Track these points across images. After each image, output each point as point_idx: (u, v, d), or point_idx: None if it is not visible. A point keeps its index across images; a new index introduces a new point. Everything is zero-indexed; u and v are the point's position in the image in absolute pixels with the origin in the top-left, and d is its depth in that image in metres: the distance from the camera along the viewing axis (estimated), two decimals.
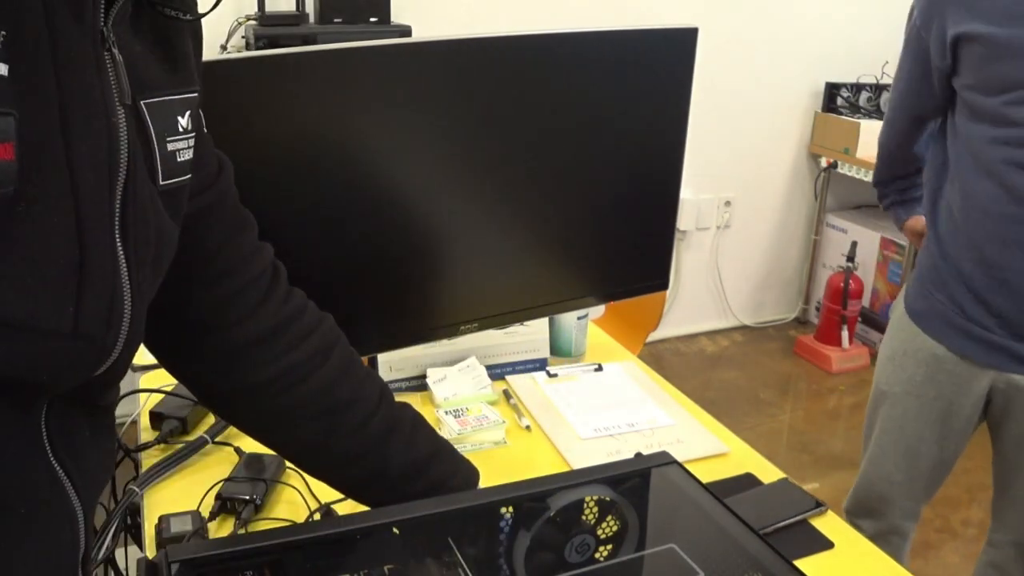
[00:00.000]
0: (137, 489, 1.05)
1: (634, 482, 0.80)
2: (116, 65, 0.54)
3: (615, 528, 0.77)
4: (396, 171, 1.00)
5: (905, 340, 1.47)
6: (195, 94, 0.66)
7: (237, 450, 1.12)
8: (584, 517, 0.77)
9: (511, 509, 0.75)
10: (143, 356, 1.51)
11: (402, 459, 0.83)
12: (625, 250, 1.21)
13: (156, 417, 1.18)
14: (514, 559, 0.73)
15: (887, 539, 1.60)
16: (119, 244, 0.55)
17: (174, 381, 1.25)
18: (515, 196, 1.08)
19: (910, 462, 1.52)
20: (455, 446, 1.17)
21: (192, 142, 0.64)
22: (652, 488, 0.82)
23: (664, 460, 0.82)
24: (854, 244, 3.35)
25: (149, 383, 1.26)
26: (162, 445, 1.14)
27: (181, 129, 0.63)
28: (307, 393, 0.79)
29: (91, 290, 0.52)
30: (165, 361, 0.81)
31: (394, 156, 0.99)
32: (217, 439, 1.15)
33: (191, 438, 1.15)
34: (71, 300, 0.51)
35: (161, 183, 0.61)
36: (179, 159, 0.63)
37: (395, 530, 0.71)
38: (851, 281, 3.23)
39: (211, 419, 1.20)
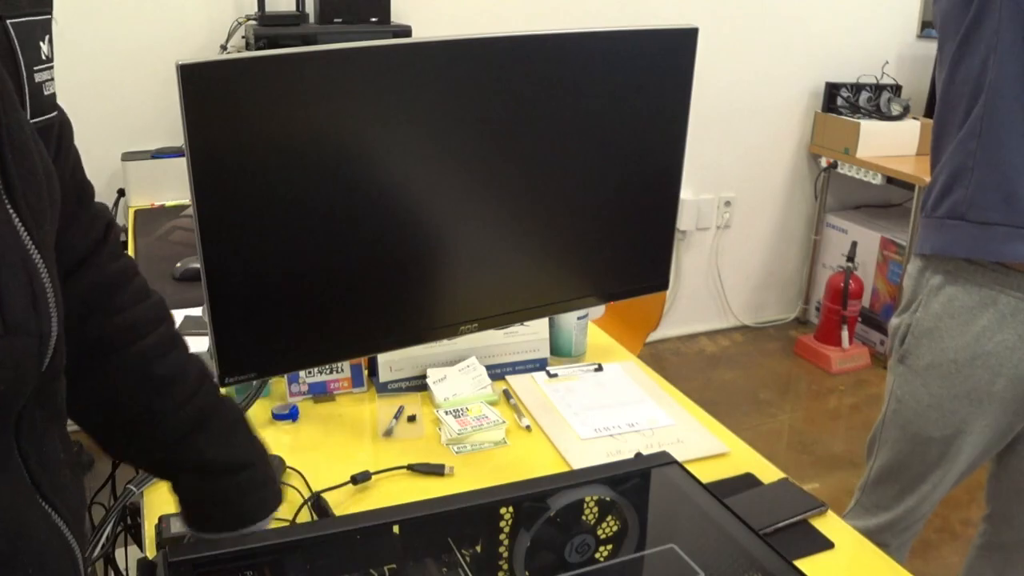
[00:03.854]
0: (134, 488, 1.05)
1: (634, 482, 0.80)
2: None
3: (615, 528, 0.77)
4: (396, 171, 0.99)
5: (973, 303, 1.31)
6: (51, 15, 0.58)
7: None
8: (584, 517, 0.77)
9: (511, 509, 0.75)
10: None
11: (210, 455, 0.76)
12: (625, 250, 1.21)
13: None
14: (514, 559, 0.73)
15: (904, 547, 1.57)
16: (8, 207, 0.47)
17: None
18: (515, 196, 1.08)
19: (968, 474, 1.48)
20: (454, 446, 1.18)
21: (53, 73, 0.57)
22: (652, 488, 0.82)
23: (664, 460, 0.82)
24: (854, 244, 3.35)
25: None
26: None
27: (44, 57, 0.55)
28: (125, 362, 0.71)
29: (5, 274, 0.46)
30: None
31: (394, 156, 0.99)
32: None
33: None
34: None
35: (31, 121, 0.53)
36: (45, 92, 0.55)
37: (395, 530, 0.71)
38: (851, 281, 3.23)
39: None
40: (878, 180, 3.20)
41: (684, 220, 3.33)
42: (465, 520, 0.74)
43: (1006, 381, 1.33)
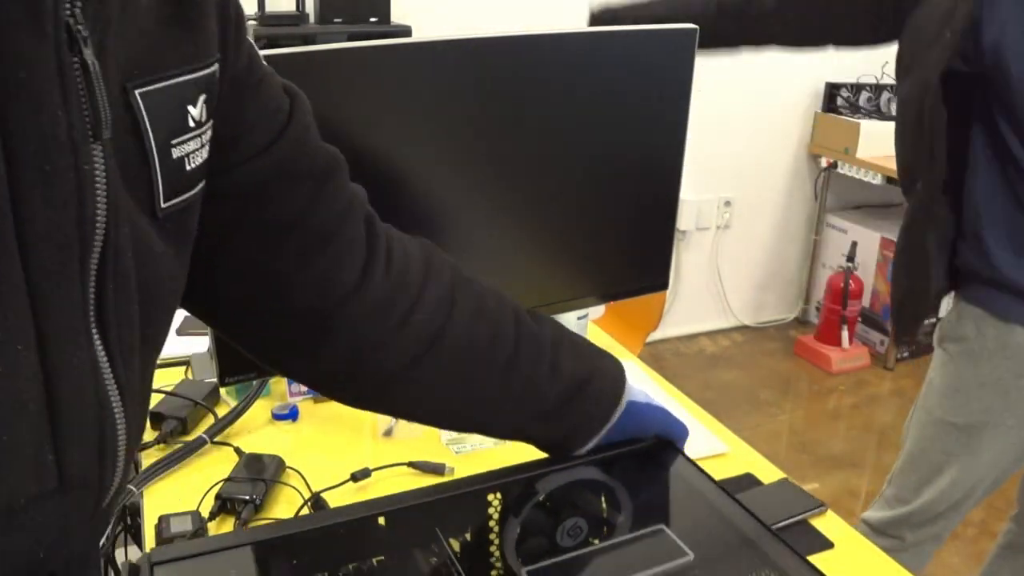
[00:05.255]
0: (134, 488, 1.05)
1: (625, 463, 0.79)
2: (90, 77, 0.37)
3: (607, 511, 0.76)
4: (394, 171, 0.99)
5: (1006, 359, 1.34)
6: (212, 68, 0.48)
7: (237, 450, 1.12)
8: (575, 500, 0.76)
9: (499, 496, 0.74)
10: None
11: (553, 388, 0.72)
12: (625, 250, 1.21)
13: (156, 417, 1.18)
14: (505, 546, 0.72)
15: (922, 547, 1.55)
16: (98, 343, 0.40)
17: (174, 381, 1.26)
18: (514, 196, 1.08)
19: (998, 483, 1.45)
20: (454, 446, 1.18)
21: (207, 137, 0.48)
22: (644, 469, 0.81)
23: (656, 441, 0.81)
24: (854, 244, 3.35)
25: None
26: (161, 445, 1.14)
27: (193, 123, 0.46)
28: (446, 352, 0.67)
29: (71, 421, 0.39)
30: (269, 364, 0.69)
31: (392, 156, 0.99)
32: (217, 439, 1.15)
33: (190, 438, 1.15)
34: (47, 447, 0.38)
35: (162, 206, 0.45)
36: (188, 167, 0.46)
37: (380, 522, 0.70)
38: (851, 281, 3.23)
39: (211, 419, 1.20)
40: (878, 180, 3.20)
41: (684, 220, 3.33)
42: (453, 509, 0.73)
43: None
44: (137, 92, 0.42)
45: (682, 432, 0.83)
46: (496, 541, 0.72)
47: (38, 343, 0.37)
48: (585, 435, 0.77)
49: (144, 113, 0.42)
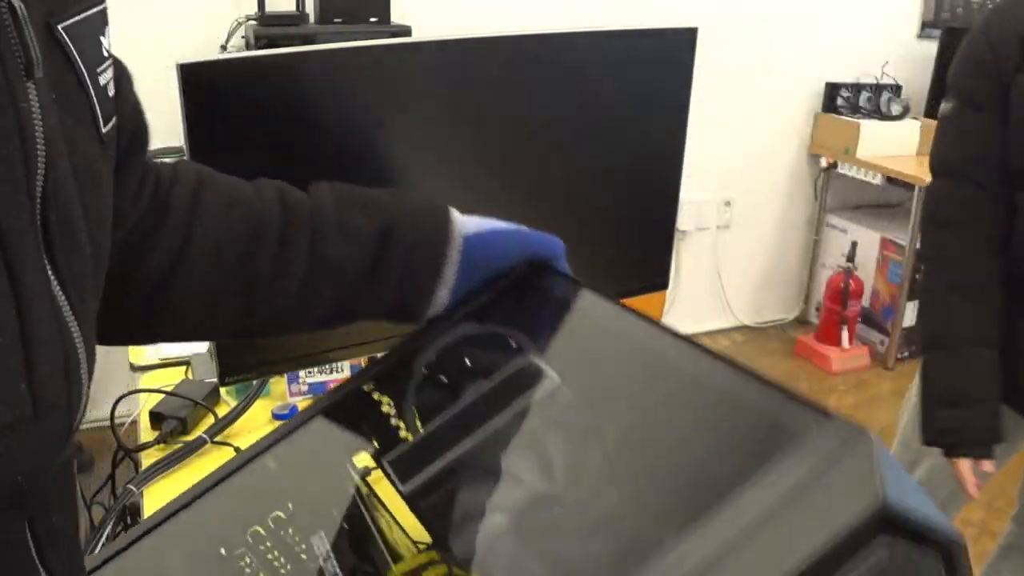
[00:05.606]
0: (134, 488, 1.05)
1: (500, 304, 0.69)
2: (19, 20, 0.40)
3: (496, 360, 0.66)
4: (394, 172, 0.99)
5: None
6: (105, 3, 0.52)
7: (237, 450, 1.12)
8: (463, 362, 0.67)
9: (384, 395, 0.65)
10: (144, 356, 1.50)
11: (352, 254, 0.66)
12: (625, 250, 1.21)
13: (156, 417, 1.18)
14: (413, 435, 0.63)
15: None
16: (49, 271, 0.42)
17: (174, 381, 1.26)
18: (514, 196, 1.08)
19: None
20: None
21: (113, 69, 0.51)
22: (519, 304, 0.70)
23: (528, 266, 0.71)
24: (854, 244, 3.35)
25: (149, 383, 1.26)
26: (161, 445, 1.14)
27: (106, 53, 0.50)
28: (199, 248, 0.63)
29: (40, 351, 0.41)
30: None
31: (392, 156, 0.99)
32: (216, 439, 1.15)
33: (190, 438, 1.15)
34: (20, 376, 0.40)
35: (104, 131, 0.49)
36: (110, 93, 0.50)
37: (272, 465, 0.64)
38: (851, 281, 3.23)
39: (211, 419, 1.20)
40: (878, 180, 3.20)
41: (684, 220, 3.33)
42: (341, 420, 0.65)
43: None
44: (60, 27, 0.45)
45: (554, 247, 0.73)
46: (406, 436, 0.64)
47: (8, 277, 0.39)
48: (425, 292, 0.67)
49: (71, 46, 0.46)
